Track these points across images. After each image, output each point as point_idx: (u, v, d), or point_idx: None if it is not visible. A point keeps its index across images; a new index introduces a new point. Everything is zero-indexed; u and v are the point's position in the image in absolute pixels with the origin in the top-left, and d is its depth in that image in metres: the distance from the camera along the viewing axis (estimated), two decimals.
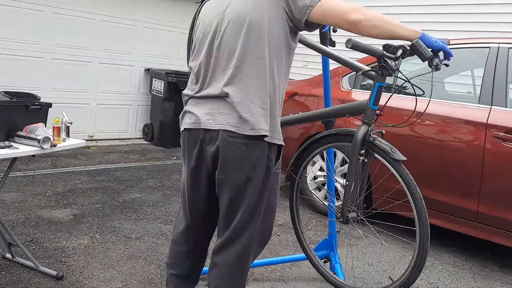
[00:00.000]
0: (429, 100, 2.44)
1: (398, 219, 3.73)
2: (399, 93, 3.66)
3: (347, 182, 2.20)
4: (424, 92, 2.34)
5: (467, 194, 3.32)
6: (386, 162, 2.08)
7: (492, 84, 3.34)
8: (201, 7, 1.95)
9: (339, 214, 2.28)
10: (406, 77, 2.09)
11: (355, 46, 2.01)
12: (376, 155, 2.12)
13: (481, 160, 3.22)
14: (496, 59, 3.37)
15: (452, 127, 3.41)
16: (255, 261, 3.00)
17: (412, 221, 2.10)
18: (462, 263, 3.41)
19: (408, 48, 1.93)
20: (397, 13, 6.14)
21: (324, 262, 2.76)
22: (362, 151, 2.16)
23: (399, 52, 1.97)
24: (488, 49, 3.45)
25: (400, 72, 2.05)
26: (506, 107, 3.25)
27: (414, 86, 2.16)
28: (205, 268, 2.10)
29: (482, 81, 3.42)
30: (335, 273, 2.66)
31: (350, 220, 2.27)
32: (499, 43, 3.42)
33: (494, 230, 3.22)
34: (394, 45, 2.00)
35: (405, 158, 2.04)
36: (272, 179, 1.81)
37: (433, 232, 3.85)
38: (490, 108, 3.28)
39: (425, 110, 2.47)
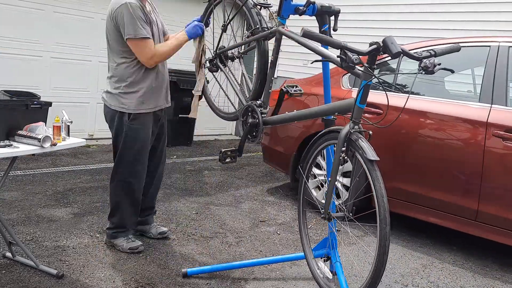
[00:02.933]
0: (408, 97, 2.43)
1: (399, 219, 3.73)
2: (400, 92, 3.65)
3: (329, 179, 2.20)
4: (399, 89, 2.34)
5: (467, 192, 3.32)
6: (362, 161, 2.07)
7: (492, 83, 3.34)
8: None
9: (323, 211, 2.28)
10: (373, 73, 2.06)
11: (308, 35, 1.97)
12: (357, 154, 2.11)
13: (481, 158, 3.22)
14: (497, 58, 3.37)
15: (453, 126, 3.41)
16: (255, 260, 3.00)
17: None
18: (462, 262, 3.41)
19: (381, 44, 1.92)
20: (396, 12, 6.14)
21: (325, 261, 2.75)
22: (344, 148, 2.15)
23: (371, 47, 1.96)
24: (488, 48, 3.45)
25: (365, 66, 2.02)
26: (506, 106, 3.25)
27: (382, 82, 2.15)
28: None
29: (483, 80, 3.42)
30: (329, 280, 2.63)
31: (333, 217, 2.26)
32: (499, 42, 3.42)
33: (494, 228, 3.22)
34: (373, 42, 1.98)
35: (378, 158, 2.03)
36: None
37: (433, 231, 3.86)
38: (491, 107, 3.27)
39: (404, 106, 2.45)
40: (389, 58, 3.76)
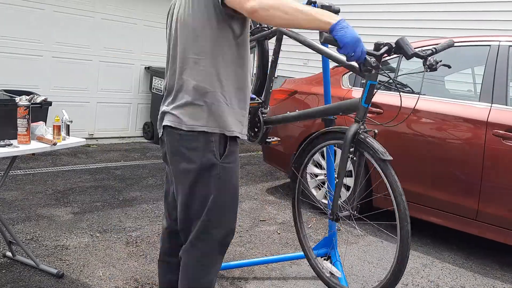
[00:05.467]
0: (418, 97, 2.43)
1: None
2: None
3: (337, 179, 2.21)
4: (412, 90, 2.35)
5: (467, 192, 3.32)
6: (373, 161, 2.07)
7: (492, 82, 3.34)
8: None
9: (330, 211, 2.28)
10: (388, 75, 2.06)
11: (327, 40, 1.96)
12: (365, 154, 2.11)
13: (482, 158, 3.22)
14: (497, 57, 3.37)
15: (453, 126, 3.41)
16: (255, 260, 3.00)
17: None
18: (462, 261, 3.41)
19: (394, 45, 1.92)
20: (396, 11, 6.14)
21: (325, 260, 2.76)
22: (352, 149, 2.15)
23: (384, 49, 1.96)
24: (488, 47, 3.45)
25: (381, 69, 2.02)
26: (506, 105, 3.25)
27: (397, 84, 2.15)
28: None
29: (483, 79, 3.42)
30: (332, 275, 2.64)
31: (341, 217, 2.27)
32: (499, 41, 3.42)
33: (495, 228, 3.22)
34: (381, 42, 1.97)
35: (391, 158, 2.03)
36: (220, 174, 1.74)
37: (434, 230, 3.86)
38: (491, 107, 3.27)
39: (414, 108, 2.46)
40: (392, 57, 3.79)
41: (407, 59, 1.96)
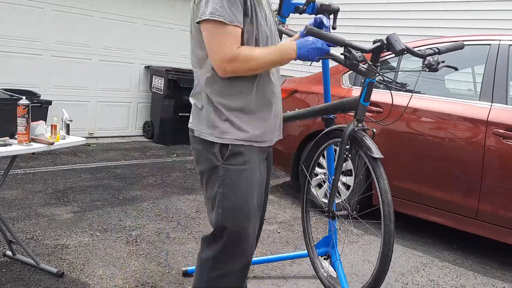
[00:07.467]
0: (411, 95, 2.44)
1: (399, 218, 3.73)
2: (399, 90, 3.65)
3: (333, 177, 2.21)
4: (404, 87, 2.34)
5: (467, 191, 3.32)
6: (366, 159, 2.08)
7: (492, 82, 3.34)
8: None
9: (326, 209, 2.28)
10: (377, 70, 2.06)
11: (312, 33, 1.96)
12: (361, 152, 2.11)
13: (482, 157, 3.22)
14: (497, 56, 3.37)
15: (453, 125, 3.41)
16: (255, 259, 3.00)
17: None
18: (462, 260, 3.41)
19: (385, 42, 1.93)
20: (396, 10, 6.13)
21: (325, 259, 2.76)
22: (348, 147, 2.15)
23: (375, 45, 1.96)
24: (488, 46, 3.45)
25: (369, 64, 2.02)
26: (506, 104, 3.25)
27: (387, 80, 2.15)
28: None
29: (483, 78, 3.42)
30: (331, 276, 2.63)
31: (338, 216, 2.27)
32: (499, 40, 3.42)
33: (494, 227, 3.22)
34: (377, 39, 1.98)
35: (382, 156, 2.03)
36: (223, 175, 1.77)
37: (433, 229, 3.86)
38: (491, 106, 3.27)
39: (407, 105, 2.46)
40: (391, 56, 3.79)
41: (396, 55, 1.96)
